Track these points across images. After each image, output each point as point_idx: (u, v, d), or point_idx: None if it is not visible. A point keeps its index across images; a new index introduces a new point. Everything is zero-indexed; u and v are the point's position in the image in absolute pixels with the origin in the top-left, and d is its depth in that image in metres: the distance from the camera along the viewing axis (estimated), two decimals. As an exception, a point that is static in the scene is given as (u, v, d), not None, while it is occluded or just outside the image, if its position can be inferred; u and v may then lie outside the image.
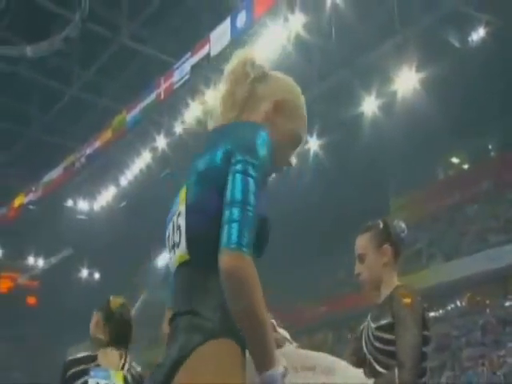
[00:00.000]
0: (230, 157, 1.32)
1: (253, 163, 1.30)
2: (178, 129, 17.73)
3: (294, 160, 1.60)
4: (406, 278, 19.77)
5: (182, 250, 1.35)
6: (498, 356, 16.65)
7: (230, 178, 1.29)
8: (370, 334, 2.26)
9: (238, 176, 1.29)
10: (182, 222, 1.35)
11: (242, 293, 1.19)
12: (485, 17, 17.19)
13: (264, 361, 1.19)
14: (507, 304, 19.59)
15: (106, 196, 20.81)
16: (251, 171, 1.29)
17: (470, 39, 18.14)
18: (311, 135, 20.19)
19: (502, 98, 20.46)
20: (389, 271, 2.32)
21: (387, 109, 19.09)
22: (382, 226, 2.36)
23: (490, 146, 23.93)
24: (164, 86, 16.27)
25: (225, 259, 1.21)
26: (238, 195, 1.26)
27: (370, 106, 18.92)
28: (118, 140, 17.41)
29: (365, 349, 2.27)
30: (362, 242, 2.35)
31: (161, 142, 18.05)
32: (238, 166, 1.30)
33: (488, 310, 19.76)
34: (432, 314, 22.07)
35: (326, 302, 23.27)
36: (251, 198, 1.27)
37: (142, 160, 18.65)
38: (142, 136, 18.03)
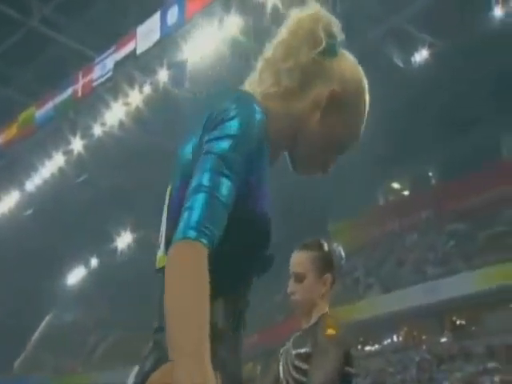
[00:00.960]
0: (202, 143, 1.19)
1: (220, 137, 1.14)
2: (97, 130, 16.64)
3: (330, 166, 1.34)
4: (343, 309, 19.34)
5: (160, 254, 1.26)
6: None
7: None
8: (289, 361, 2.26)
9: (203, 158, 1.14)
10: (164, 221, 1.26)
11: (174, 282, 1.05)
12: (428, 38, 17.14)
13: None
14: (443, 340, 19.46)
15: (8, 202, 19.33)
16: (220, 147, 1.13)
17: (412, 59, 18.03)
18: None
19: (445, 125, 20.46)
20: (324, 299, 2.33)
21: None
22: (326, 249, 2.35)
23: (430, 174, 23.89)
24: (82, 81, 15.04)
25: (169, 252, 1.09)
26: (199, 179, 1.12)
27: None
28: (24, 138, 15.84)
29: (282, 375, 2.28)
30: (302, 261, 2.32)
31: (76, 143, 16.80)
32: (205, 147, 1.16)
33: (424, 347, 19.56)
34: (368, 348, 21.91)
35: (259, 331, 22.36)
36: (223, 184, 1.11)
37: (54, 163, 17.23)
38: (54, 136, 16.59)
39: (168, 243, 1.15)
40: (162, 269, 1.13)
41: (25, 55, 15.75)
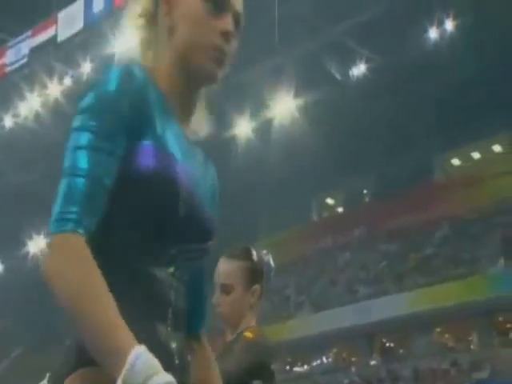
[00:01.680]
0: None
1: (89, 109, 1.10)
2: (8, 122, 15.57)
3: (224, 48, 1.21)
4: (272, 328, 19.03)
5: None
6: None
7: None
8: None
9: (72, 134, 1.11)
10: None
11: (61, 292, 1.00)
12: (366, 52, 17.10)
13: (111, 360, 0.96)
14: (372, 363, 19.43)
15: None
16: (88, 122, 1.09)
17: (350, 73, 17.97)
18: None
19: (380, 142, 20.52)
20: (252, 311, 2.25)
21: (261, 135, 18.19)
22: (255, 258, 2.25)
23: (365, 191, 23.87)
24: (-7, 65, 13.95)
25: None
26: (63, 164, 1.10)
27: (242, 129, 17.96)
28: None
29: None
30: (229, 271, 2.23)
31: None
32: (73, 121, 1.12)
33: (353, 369, 19.53)
34: (296, 369, 21.62)
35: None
36: (81, 157, 1.07)
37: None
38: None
39: None
40: None
41: None
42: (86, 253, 1.02)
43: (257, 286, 2.26)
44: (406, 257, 20.07)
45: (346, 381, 18.76)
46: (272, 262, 2.36)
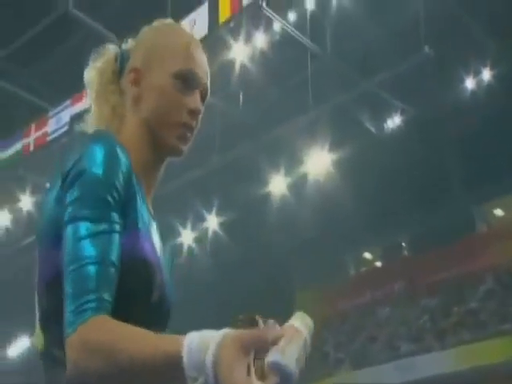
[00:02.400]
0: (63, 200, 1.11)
1: (81, 197, 1.08)
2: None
3: (196, 106, 1.27)
4: None
5: (37, 331, 1.17)
6: None
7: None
8: None
9: (68, 227, 1.07)
10: (37, 289, 1.18)
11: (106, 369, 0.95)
12: (400, 104, 17.36)
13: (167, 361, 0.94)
14: None
15: None
16: (81, 210, 1.07)
17: (385, 125, 18.20)
18: (209, 213, 18.92)
19: (418, 195, 20.49)
20: None
21: (296, 191, 18.43)
22: (260, 323, 1.92)
23: (403, 244, 23.69)
24: (35, 135, 14.57)
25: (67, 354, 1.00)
26: (66, 259, 1.05)
27: (277, 186, 18.27)
28: None
29: None
30: None
31: (26, 201, 16.16)
32: (67, 213, 1.09)
33: None
34: None
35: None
36: (84, 247, 1.03)
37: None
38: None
39: (45, 318, 1.11)
40: (46, 352, 1.10)
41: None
42: (108, 324, 0.99)
43: None
44: (447, 312, 19.69)
45: None
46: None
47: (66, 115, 14.21)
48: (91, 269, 1.02)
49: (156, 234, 1.19)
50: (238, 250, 20.00)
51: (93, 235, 1.05)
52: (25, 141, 14.56)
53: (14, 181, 15.42)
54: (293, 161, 17.41)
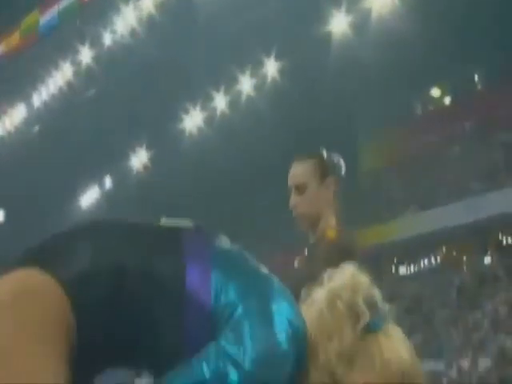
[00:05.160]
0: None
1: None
2: (107, 40, 16.50)
3: None
4: (374, 229, 19.62)
5: None
6: (473, 319, 16.68)
7: None
8: None
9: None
10: None
11: None
12: None
13: None
14: (486, 261, 19.54)
15: (15, 117, 19.32)
16: None
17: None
18: (268, 56, 19.21)
19: (496, 21, 19.72)
20: (329, 208, 2.30)
21: (359, 29, 18.15)
22: (323, 154, 2.34)
23: (476, 77, 23.42)
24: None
25: None
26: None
27: (339, 24, 18.00)
28: (27, 47, 15.51)
29: None
30: (300, 171, 2.31)
31: (85, 54, 16.68)
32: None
33: (465, 268, 19.72)
34: (402, 270, 22.28)
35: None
36: None
37: (61, 75, 17.24)
38: (60, 46, 16.44)
39: None
40: None
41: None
42: None
43: (330, 178, 2.31)
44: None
45: (457, 280, 19.06)
46: (342, 163, 2.40)
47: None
48: None
49: None
50: (298, 94, 20.14)
51: None
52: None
53: (72, 32, 15.87)
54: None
